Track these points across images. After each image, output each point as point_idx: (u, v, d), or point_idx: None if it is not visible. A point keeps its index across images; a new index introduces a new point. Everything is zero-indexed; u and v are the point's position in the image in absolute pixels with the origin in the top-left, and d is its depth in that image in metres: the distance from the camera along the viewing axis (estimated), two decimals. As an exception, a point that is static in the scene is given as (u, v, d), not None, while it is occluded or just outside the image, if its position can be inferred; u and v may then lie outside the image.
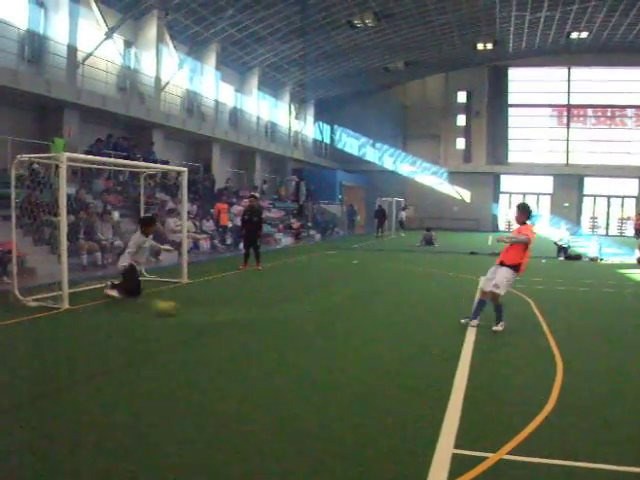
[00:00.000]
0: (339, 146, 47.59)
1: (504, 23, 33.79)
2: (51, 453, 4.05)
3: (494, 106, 44.44)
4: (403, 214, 38.42)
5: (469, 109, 45.08)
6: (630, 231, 40.47)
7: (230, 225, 22.26)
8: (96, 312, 9.39)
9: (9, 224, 10.28)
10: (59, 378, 5.86)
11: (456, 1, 29.88)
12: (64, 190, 9.61)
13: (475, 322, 8.35)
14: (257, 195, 18.20)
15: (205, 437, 4.36)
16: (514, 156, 44.97)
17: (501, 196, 45.26)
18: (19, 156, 10.26)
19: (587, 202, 43.81)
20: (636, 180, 42.17)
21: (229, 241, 21.96)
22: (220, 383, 5.77)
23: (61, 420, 4.68)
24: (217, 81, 28.95)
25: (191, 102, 28.10)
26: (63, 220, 9.67)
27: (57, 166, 9.64)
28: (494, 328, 8.10)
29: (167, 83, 25.36)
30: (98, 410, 4.90)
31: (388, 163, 46.08)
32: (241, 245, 22.25)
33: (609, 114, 43.75)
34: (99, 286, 11.38)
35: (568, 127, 44.04)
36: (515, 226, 8.71)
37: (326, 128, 46.91)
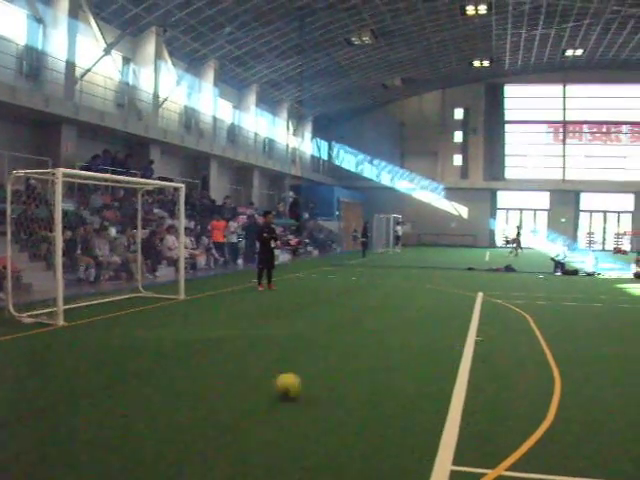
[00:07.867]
0: (337, 163, 47.75)
1: (500, 41, 34.11)
2: (44, 470, 3.98)
3: (491, 123, 44.73)
4: (399, 228, 38.40)
5: (466, 126, 45.39)
6: (627, 246, 40.55)
7: (226, 242, 22.20)
8: (91, 329, 9.31)
9: (5, 239, 10.24)
10: (51, 396, 5.78)
11: (452, 19, 30.17)
12: (59, 206, 9.57)
13: None
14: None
15: (196, 453, 4.30)
16: (511, 172, 45.16)
17: (498, 212, 45.41)
18: (15, 171, 10.26)
19: (583, 217, 43.97)
20: (632, 195, 42.40)
21: (226, 257, 21.94)
22: (211, 400, 5.70)
23: (53, 437, 4.61)
24: (215, 97, 29.08)
25: (189, 118, 28.18)
26: (58, 236, 9.62)
27: (53, 181, 9.61)
28: None
29: (165, 99, 25.45)
30: (91, 427, 4.84)
31: (386, 179, 46.23)
32: (239, 261, 22.38)
33: (604, 130, 44.04)
34: (95, 302, 11.34)
35: (564, 143, 44.31)
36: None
37: (324, 145, 47.07)
